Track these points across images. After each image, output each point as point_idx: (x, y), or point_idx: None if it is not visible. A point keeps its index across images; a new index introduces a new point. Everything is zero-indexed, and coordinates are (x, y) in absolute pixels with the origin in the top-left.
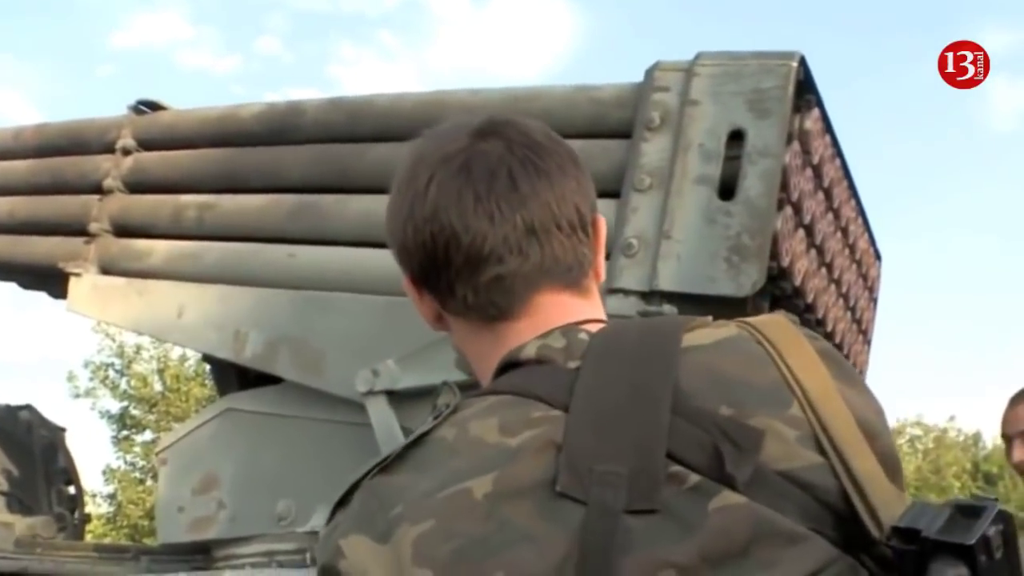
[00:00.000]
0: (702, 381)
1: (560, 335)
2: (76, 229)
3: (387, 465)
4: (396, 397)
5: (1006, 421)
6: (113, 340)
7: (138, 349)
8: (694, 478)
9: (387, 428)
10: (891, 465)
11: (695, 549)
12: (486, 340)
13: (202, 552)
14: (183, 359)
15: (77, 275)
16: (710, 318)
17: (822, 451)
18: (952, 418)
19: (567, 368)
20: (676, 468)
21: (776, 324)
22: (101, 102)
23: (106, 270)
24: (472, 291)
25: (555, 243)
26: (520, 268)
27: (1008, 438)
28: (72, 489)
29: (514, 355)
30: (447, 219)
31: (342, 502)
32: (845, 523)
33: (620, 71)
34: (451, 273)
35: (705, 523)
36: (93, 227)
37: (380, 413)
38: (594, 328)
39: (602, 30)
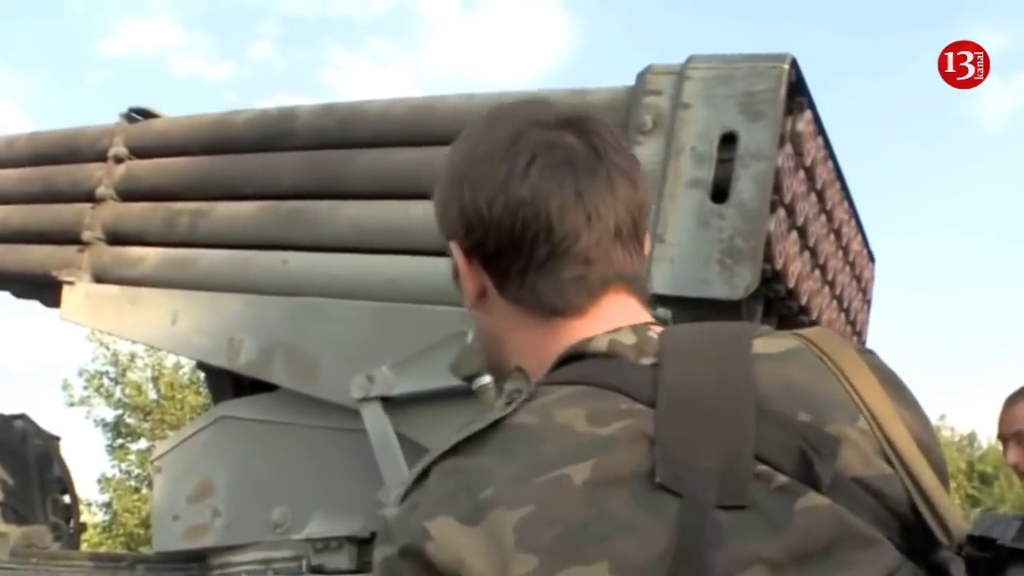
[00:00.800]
0: (778, 387)
1: (630, 332)
2: (69, 237)
3: (463, 447)
4: (391, 403)
5: (1002, 422)
6: (107, 348)
7: (132, 357)
8: (781, 478)
9: (382, 434)
10: (942, 477)
11: (783, 546)
12: (538, 332)
13: (198, 560)
14: (178, 367)
15: (70, 283)
16: (769, 327)
17: (890, 463)
18: (943, 417)
19: (640, 364)
20: (763, 468)
21: (830, 338)
22: (93, 110)
23: (99, 278)
24: (550, 284)
25: (631, 249)
26: (603, 272)
27: (1004, 439)
28: (67, 498)
29: (580, 348)
30: (545, 208)
31: (417, 483)
32: (910, 531)
33: (614, 75)
34: (530, 261)
35: (792, 522)
36: (86, 235)
37: (375, 419)
38: (658, 329)
39: (595, 34)
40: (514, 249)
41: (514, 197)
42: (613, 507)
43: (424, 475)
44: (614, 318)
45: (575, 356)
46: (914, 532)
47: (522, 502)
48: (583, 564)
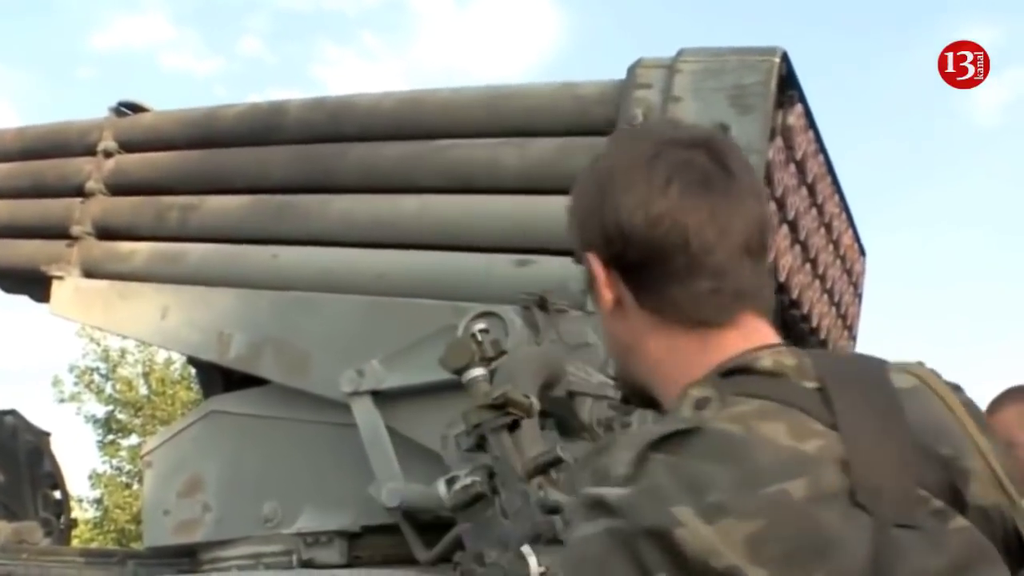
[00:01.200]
0: (919, 421)
1: (789, 354)
2: (58, 232)
3: (665, 445)
4: (381, 397)
5: None
6: (98, 344)
7: (123, 353)
8: (936, 503)
9: (372, 428)
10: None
11: (945, 562)
12: (682, 341)
13: (188, 555)
14: (168, 362)
15: (60, 278)
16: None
17: (998, 492)
18: None
19: (806, 387)
20: (922, 492)
21: (935, 376)
22: (83, 105)
23: (89, 273)
24: (687, 295)
25: (758, 264)
26: (735, 285)
27: None
28: (58, 494)
29: (747, 362)
30: (683, 223)
31: (638, 469)
32: (1011, 552)
33: (606, 69)
34: (668, 273)
35: (947, 541)
36: (75, 230)
37: (365, 413)
38: (801, 352)
39: (587, 28)
40: (653, 261)
41: (654, 212)
42: (826, 523)
43: (641, 463)
44: (755, 335)
45: (740, 370)
46: (1013, 553)
47: (751, 515)
48: (812, 574)
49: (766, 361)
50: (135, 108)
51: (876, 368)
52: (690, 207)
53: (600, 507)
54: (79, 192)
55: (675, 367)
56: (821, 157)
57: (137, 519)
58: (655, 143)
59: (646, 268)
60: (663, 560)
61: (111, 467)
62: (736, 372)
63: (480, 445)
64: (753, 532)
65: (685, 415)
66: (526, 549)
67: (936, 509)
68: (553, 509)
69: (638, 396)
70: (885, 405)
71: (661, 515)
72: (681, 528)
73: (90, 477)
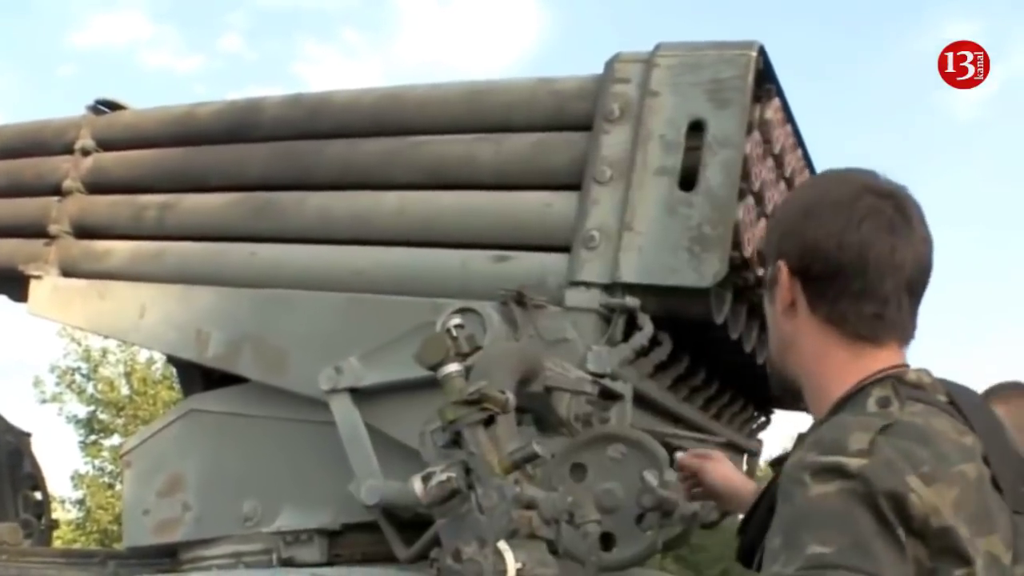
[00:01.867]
0: (1010, 434)
1: (925, 373)
2: (36, 231)
3: (885, 431)
4: (360, 394)
5: None
6: (79, 344)
7: (104, 353)
8: None
9: (351, 425)
10: None
11: None
12: (840, 350)
13: (169, 555)
14: (150, 362)
15: (38, 277)
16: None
17: None
18: None
19: (941, 399)
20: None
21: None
22: (62, 103)
23: (67, 272)
24: (855, 313)
25: (914, 306)
26: (893, 315)
27: None
28: (38, 495)
29: (897, 374)
30: (866, 254)
31: (872, 446)
32: None
33: (588, 65)
34: (844, 291)
35: None
36: (53, 229)
37: (343, 410)
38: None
39: (569, 24)
40: (834, 279)
41: (846, 241)
42: (989, 499)
43: (874, 443)
44: (896, 357)
45: (892, 379)
46: None
47: (952, 484)
48: (989, 535)
49: (912, 376)
50: (113, 106)
51: (974, 392)
52: (875, 243)
53: (836, 471)
54: (56, 191)
55: (827, 369)
56: (799, 151)
57: (120, 520)
58: (858, 188)
59: (827, 283)
60: (898, 518)
61: (93, 468)
62: (886, 379)
63: (456, 441)
64: (955, 497)
65: (872, 410)
66: (503, 545)
67: None
68: (530, 504)
69: (783, 383)
70: (990, 419)
71: (898, 482)
72: (912, 493)
73: (72, 478)
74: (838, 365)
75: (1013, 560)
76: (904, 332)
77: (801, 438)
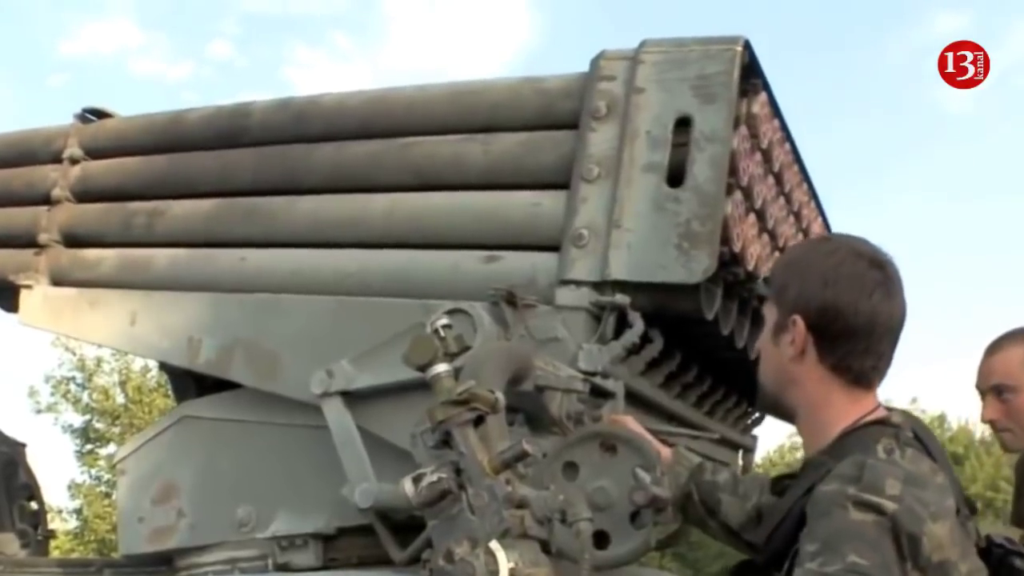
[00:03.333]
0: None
1: (899, 413)
2: (25, 241)
3: (907, 483)
4: (352, 397)
5: (979, 374)
6: (73, 354)
7: (99, 362)
8: (966, 512)
9: (343, 429)
10: None
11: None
12: (841, 394)
13: (165, 562)
14: (145, 370)
15: (28, 287)
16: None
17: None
18: (914, 399)
19: (911, 436)
20: (966, 511)
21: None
22: (52, 112)
23: (57, 281)
24: (858, 366)
25: (893, 353)
26: (884, 365)
27: (982, 392)
28: (34, 505)
29: (883, 417)
30: (873, 320)
31: (896, 492)
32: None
33: (579, 66)
34: (851, 347)
35: (973, 539)
36: (42, 238)
37: (336, 414)
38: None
39: (558, 25)
40: (845, 337)
41: (861, 309)
42: (965, 530)
43: (901, 491)
44: (876, 397)
45: (880, 421)
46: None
47: (947, 519)
48: (970, 559)
49: (895, 418)
50: (100, 114)
51: (922, 423)
52: (880, 312)
53: (874, 508)
54: (45, 200)
55: (829, 408)
56: (787, 145)
57: (117, 529)
58: (867, 262)
59: (840, 342)
60: (911, 554)
61: (90, 477)
62: (878, 423)
63: (446, 442)
64: (948, 529)
65: (883, 457)
66: (495, 545)
67: (967, 517)
68: (521, 503)
69: (775, 408)
70: (938, 445)
71: (918, 527)
72: (926, 536)
73: (69, 488)
74: (839, 406)
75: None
76: (884, 376)
77: (809, 465)
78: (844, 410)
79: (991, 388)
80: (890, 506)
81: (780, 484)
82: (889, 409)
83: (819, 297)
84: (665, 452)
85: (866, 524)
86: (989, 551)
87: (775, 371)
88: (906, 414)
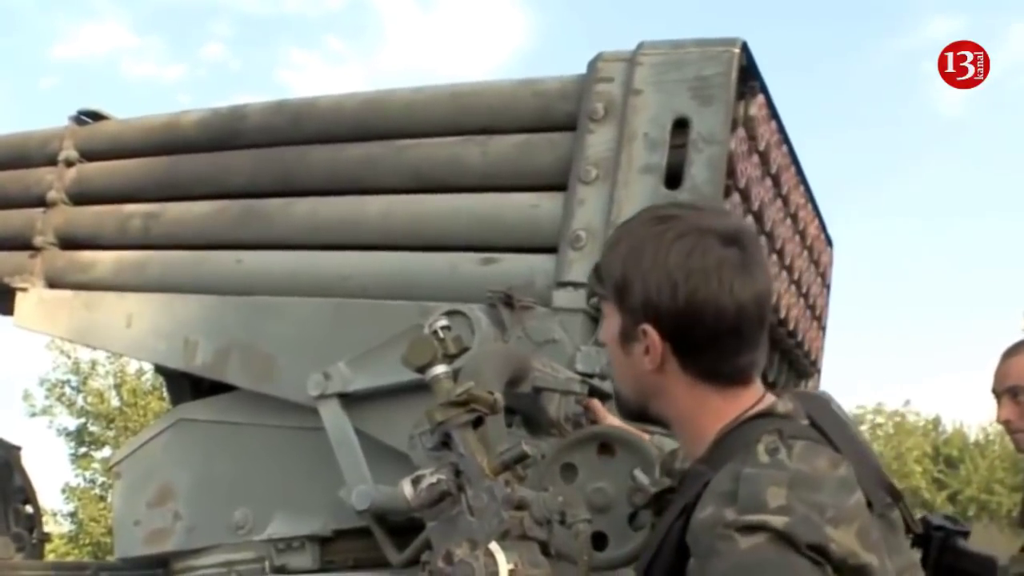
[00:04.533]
0: (861, 440)
1: (787, 400)
2: (21, 243)
3: (793, 487)
4: (348, 399)
5: (996, 376)
6: (68, 357)
7: (94, 365)
8: (887, 501)
9: (340, 431)
10: None
11: (906, 561)
12: (715, 398)
13: (161, 565)
14: (140, 373)
15: (23, 290)
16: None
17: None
18: (907, 402)
19: (805, 427)
20: (887, 499)
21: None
22: (46, 115)
23: (53, 283)
24: (729, 368)
25: (765, 335)
26: (760, 356)
27: (998, 395)
28: (29, 508)
29: (768, 408)
30: (741, 316)
31: (784, 505)
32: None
33: (574, 68)
34: (719, 351)
35: (899, 524)
36: (38, 240)
37: (332, 416)
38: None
39: (553, 27)
40: (713, 344)
41: (722, 308)
42: (888, 518)
43: (788, 501)
44: (759, 390)
45: (764, 414)
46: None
47: (852, 520)
48: (898, 556)
49: (780, 407)
50: (95, 116)
51: (825, 402)
52: (746, 303)
53: (761, 528)
54: (41, 202)
55: (703, 415)
56: (785, 148)
57: (112, 531)
58: (713, 244)
59: (702, 348)
60: (824, 557)
61: (84, 480)
62: (761, 416)
63: (445, 443)
64: (856, 530)
65: (765, 460)
66: (494, 546)
67: (889, 505)
68: (520, 505)
69: (640, 418)
70: (843, 428)
71: (819, 535)
72: (832, 543)
73: (63, 491)
74: (714, 411)
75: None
76: (762, 363)
77: (687, 478)
78: (721, 411)
79: (1007, 390)
80: (778, 521)
81: (661, 501)
82: (778, 395)
83: (670, 302)
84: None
85: (760, 547)
86: (928, 536)
87: (633, 381)
88: (802, 395)
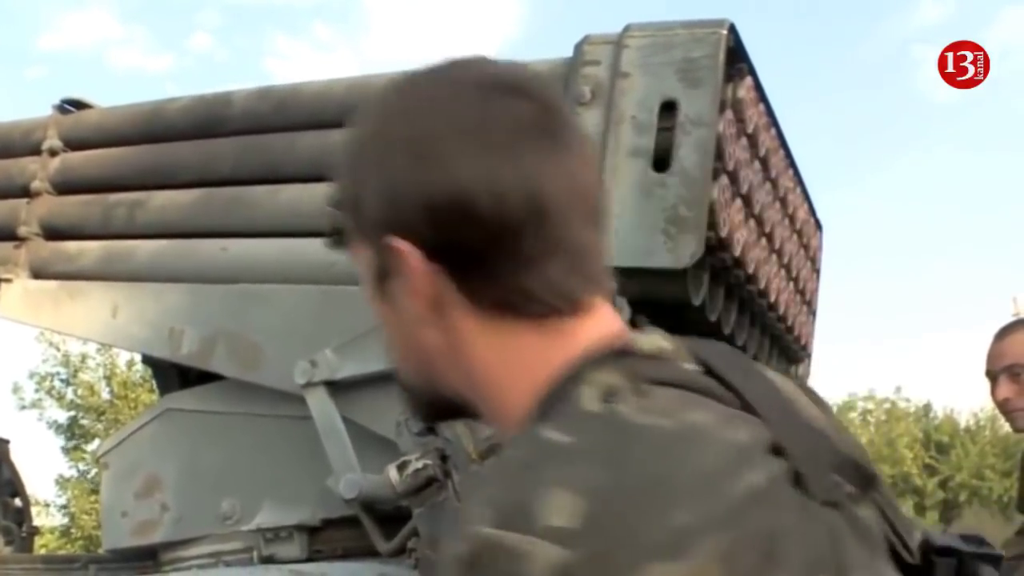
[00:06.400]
0: (804, 406)
1: (661, 337)
2: (5, 234)
3: (615, 466)
4: (335, 387)
5: (991, 357)
6: (58, 349)
7: (84, 358)
8: (848, 487)
9: (327, 419)
10: None
11: (868, 552)
12: (527, 340)
13: (150, 556)
14: (130, 364)
15: (8, 281)
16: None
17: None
18: (898, 389)
19: (690, 371)
20: (837, 478)
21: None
22: (30, 105)
23: (37, 274)
24: (539, 283)
25: (602, 240)
26: (589, 264)
27: (993, 375)
28: (18, 502)
29: (624, 345)
30: (539, 193)
31: (589, 513)
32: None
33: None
34: (517, 257)
35: (861, 516)
36: (22, 231)
37: (320, 404)
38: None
39: (543, 14)
40: (500, 246)
41: (505, 184)
42: (785, 516)
43: (587, 516)
44: (611, 322)
45: (617, 353)
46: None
47: (725, 527)
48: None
49: (645, 344)
50: (79, 105)
51: (741, 355)
52: (546, 173)
53: (514, 568)
54: (25, 192)
55: (514, 369)
56: (773, 131)
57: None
58: (498, 91)
59: (488, 256)
60: None
61: (77, 472)
62: (614, 356)
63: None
64: (724, 552)
65: (589, 408)
66: None
67: (849, 493)
68: None
69: (442, 409)
70: (773, 390)
71: None
72: None
73: (57, 482)
74: (527, 361)
75: (837, 573)
76: (604, 281)
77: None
78: (541, 358)
79: (1005, 368)
80: (552, 556)
81: None
82: (654, 334)
83: (422, 189)
84: None
85: None
86: (928, 562)
87: (411, 352)
88: (703, 342)
